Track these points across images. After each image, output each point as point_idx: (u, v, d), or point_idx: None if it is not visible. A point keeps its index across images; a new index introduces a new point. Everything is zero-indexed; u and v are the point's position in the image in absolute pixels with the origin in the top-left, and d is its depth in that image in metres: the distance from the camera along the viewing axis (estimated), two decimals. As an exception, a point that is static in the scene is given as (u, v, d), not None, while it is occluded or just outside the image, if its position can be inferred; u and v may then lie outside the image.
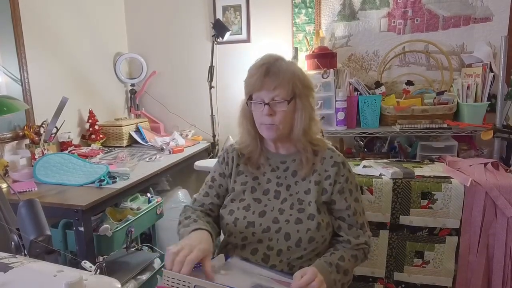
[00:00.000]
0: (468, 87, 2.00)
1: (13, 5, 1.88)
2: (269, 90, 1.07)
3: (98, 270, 0.65)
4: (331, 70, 2.12)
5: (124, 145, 2.46)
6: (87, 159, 1.96)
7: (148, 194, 1.96)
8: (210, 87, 2.51)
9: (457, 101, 2.03)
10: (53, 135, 1.99)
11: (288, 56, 2.39)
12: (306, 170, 1.14)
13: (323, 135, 1.24)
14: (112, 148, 2.42)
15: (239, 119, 1.21)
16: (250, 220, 1.12)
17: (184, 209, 1.23)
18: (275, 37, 2.52)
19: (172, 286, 0.86)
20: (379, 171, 1.77)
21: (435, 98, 2.09)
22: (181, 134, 2.58)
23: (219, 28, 2.40)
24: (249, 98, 1.12)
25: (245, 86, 1.14)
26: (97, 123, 2.39)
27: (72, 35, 2.31)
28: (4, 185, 1.55)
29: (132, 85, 2.80)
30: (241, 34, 2.58)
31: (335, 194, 1.13)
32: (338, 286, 1.04)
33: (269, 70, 1.07)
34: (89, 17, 2.45)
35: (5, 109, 1.03)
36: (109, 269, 1.79)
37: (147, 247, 2.25)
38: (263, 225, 1.10)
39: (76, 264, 0.75)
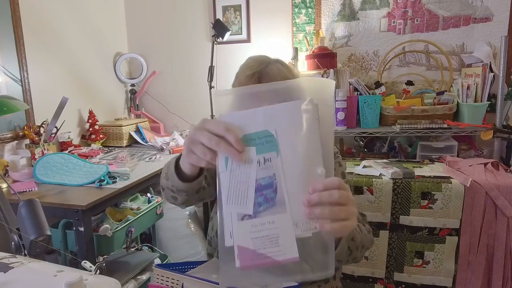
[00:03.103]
0: (468, 87, 2.00)
1: (13, 5, 1.88)
2: None
3: (98, 270, 0.65)
4: (331, 70, 2.12)
5: (124, 145, 2.46)
6: (87, 159, 1.96)
7: (148, 194, 1.96)
8: (210, 87, 2.51)
9: (457, 101, 2.03)
10: (53, 135, 1.99)
11: (288, 56, 2.40)
12: None
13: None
14: (112, 148, 2.42)
15: None
16: None
17: None
18: (275, 37, 2.52)
19: (162, 284, 0.88)
20: (379, 171, 1.77)
21: (435, 98, 2.09)
22: (181, 134, 2.57)
23: (219, 28, 2.40)
24: None
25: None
26: (97, 123, 2.39)
27: (72, 35, 2.31)
28: (4, 185, 1.55)
29: (132, 85, 2.80)
30: (241, 34, 2.58)
31: None
32: (356, 240, 0.93)
33: (261, 79, 0.99)
34: (89, 17, 2.45)
35: (5, 109, 1.03)
36: (109, 269, 1.79)
37: (147, 247, 2.24)
38: None
39: (76, 264, 0.75)
